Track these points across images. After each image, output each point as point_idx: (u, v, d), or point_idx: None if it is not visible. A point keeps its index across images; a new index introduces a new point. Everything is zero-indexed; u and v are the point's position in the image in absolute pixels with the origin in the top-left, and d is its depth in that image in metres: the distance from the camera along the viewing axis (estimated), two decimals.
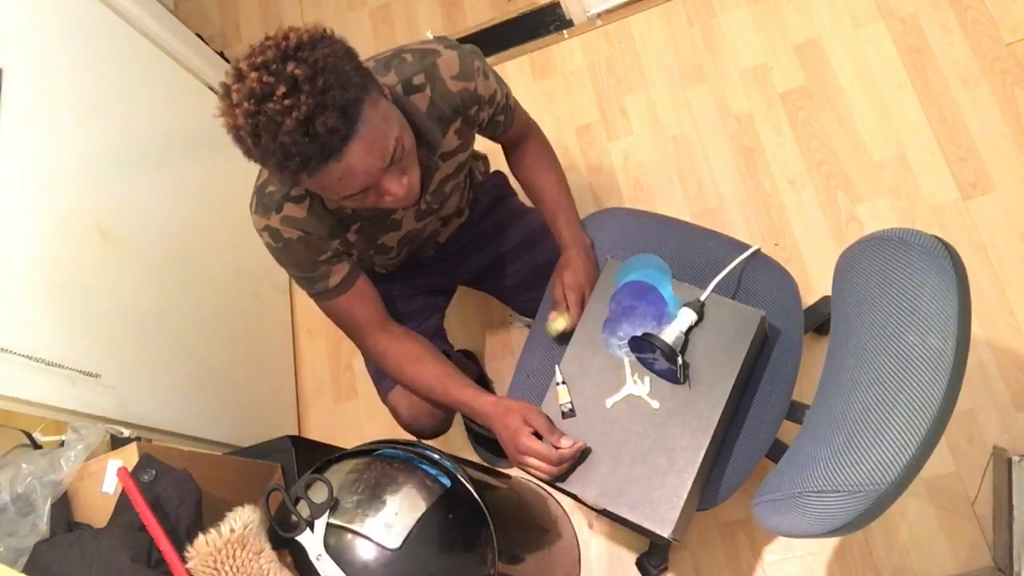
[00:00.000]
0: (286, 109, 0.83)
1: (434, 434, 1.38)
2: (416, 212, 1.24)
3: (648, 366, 1.14)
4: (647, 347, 1.10)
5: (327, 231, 1.14)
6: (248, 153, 0.89)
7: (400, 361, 1.22)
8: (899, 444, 0.79)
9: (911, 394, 0.80)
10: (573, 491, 1.12)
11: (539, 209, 1.36)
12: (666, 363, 1.09)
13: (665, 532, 1.05)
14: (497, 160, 1.44)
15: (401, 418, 1.35)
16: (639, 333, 1.12)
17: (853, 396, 0.87)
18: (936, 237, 0.88)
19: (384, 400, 1.38)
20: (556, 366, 1.18)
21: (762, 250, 1.27)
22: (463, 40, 2.16)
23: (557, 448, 1.09)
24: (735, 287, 1.24)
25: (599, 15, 2.04)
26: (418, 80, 1.10)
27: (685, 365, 1.12)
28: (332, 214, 1.13)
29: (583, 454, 1.12)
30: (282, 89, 0.83)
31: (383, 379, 1.37)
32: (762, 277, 1.24)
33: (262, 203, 1.10)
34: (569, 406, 1.15)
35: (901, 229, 0.91)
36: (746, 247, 1.27)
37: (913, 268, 0.87)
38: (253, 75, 0.84)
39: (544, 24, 2.10)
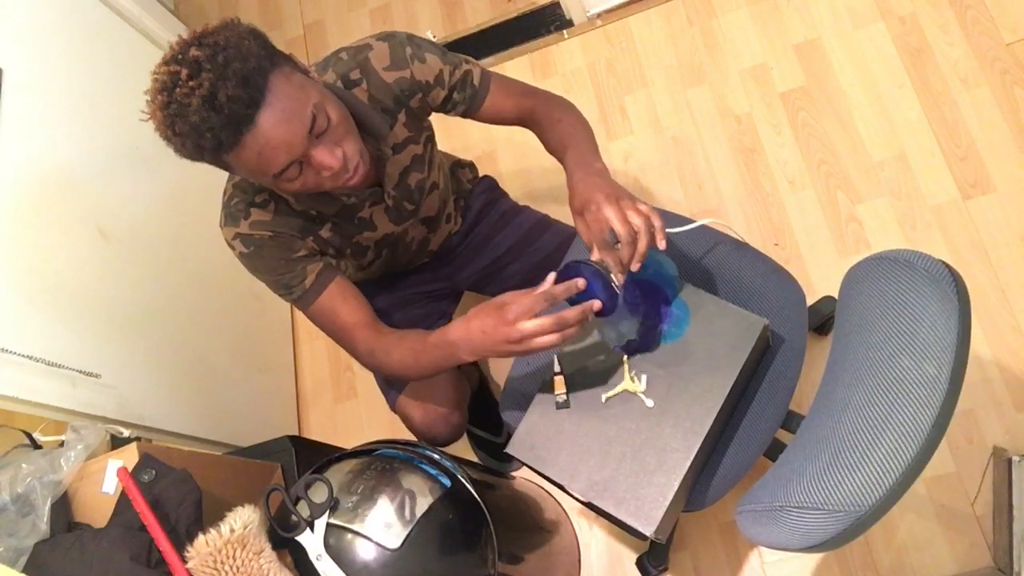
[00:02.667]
0: (191, 90, 0.85)
1: (448, 441, 1.37)
2: (388, 211, 1.23)
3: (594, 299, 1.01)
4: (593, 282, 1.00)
5: (297, 229, 1.14)
6: (176, 148, 0.91)
7: (388, 349, 1.15)
8: (883, 468, 0.79)
9: (901, 418, 0.80)
10: (560, 481, 1.12)
11: (558, 160, 1.22)
12: (604, 293, 0.99)
13: (648, 531, 1.05)
14: (484, 167, 1.44)
15: (415, 427, 1.34)
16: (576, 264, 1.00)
17: (844, 415, 0.87)
18: (943, 263, 0.87)
19: (393, 409, 1.37)
20: (555, 355, 1.18)
21: (752, 245, 1.27)
22: (463, 40, 2.19)
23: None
24: (741, 292, 1.24)
25: (599, 15, 2.04)
26: (354, 75, 1.11)
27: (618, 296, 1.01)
28: (299, 214, 1.14)
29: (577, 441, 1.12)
30: (185, 72, 0.85)
31: (391, 388, 1.37)
32: (770, 284, 1.24)
33: (229, 215, 1.12)
34: (564, 397, 1.15)
35: (909, 252, 0.90)
36: (759, 253, 1.27)
37: (916, 292, 0.87)
38: (162, 70, 0.87)
39: (544, 24, 2.10)
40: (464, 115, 1.23)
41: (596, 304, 0.97)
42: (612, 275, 0.99)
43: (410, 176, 1.22)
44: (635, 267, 0.99)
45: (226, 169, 0.98)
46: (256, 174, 0.96)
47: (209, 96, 0.85)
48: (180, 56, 0.87)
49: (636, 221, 0.97)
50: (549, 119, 1.22)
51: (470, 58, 1.21)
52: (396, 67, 1.12)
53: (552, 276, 0.97)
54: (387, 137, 1.14)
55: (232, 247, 1.14)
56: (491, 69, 2.15)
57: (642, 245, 0.98)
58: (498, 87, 1.22)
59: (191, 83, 0.85)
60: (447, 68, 1.16)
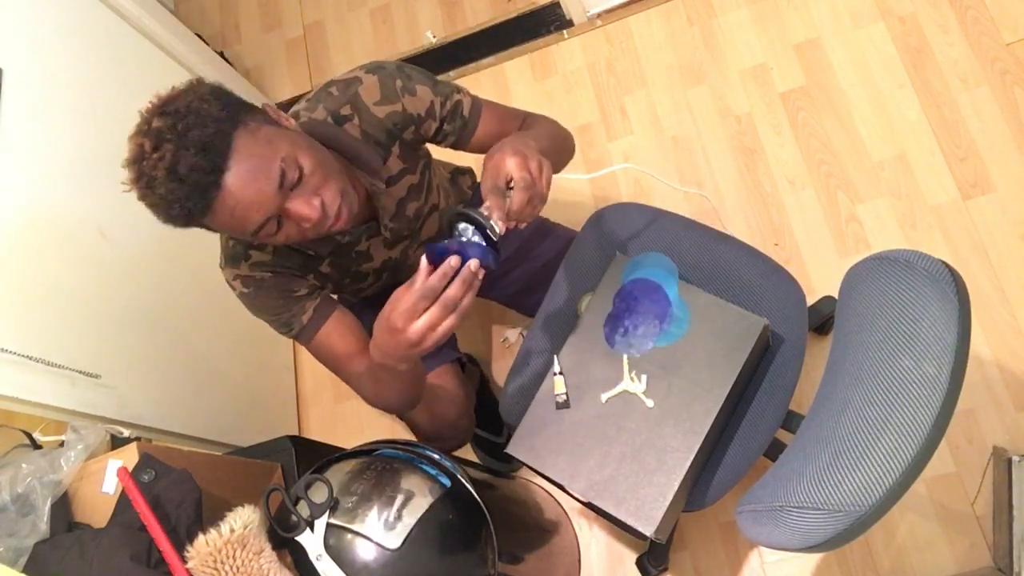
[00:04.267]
0: (156, 163, 0.86)
1: (457, 447, 1.37)
2: (385, 242, 1.22)
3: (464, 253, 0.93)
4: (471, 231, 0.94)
5: (297, 267, 1.15)
6: (158, 216, 0.91)
7: (363, 379, 1.15)
8: (883, 468, 0.79)
9: (901, 418, 0.80)
10: (560, 481, 1.12)
11: None
12: (481, 249, 0.92)
13: (648, 531, 1.05)
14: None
15: (424, 433, 1.35)
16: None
17: (844, 415, 0.87)
18: (943, 263, 0.87)
19: (401, 416, 1.37)
20: (555, 356, 1.18)
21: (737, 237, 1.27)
22: (463, 40, 2.19)
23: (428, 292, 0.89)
24: (741, 292, 1.24)
25: (599, 15, 2.04)
26: (345, 111, 1.10)
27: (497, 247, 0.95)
28: (298, 252, 1.14)
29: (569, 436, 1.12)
30: (149, 145, 0.87)
31: None
32: (771, 284, 1.24)
33: (230, 256, 1.13)
34: (564, 397, 1.15)
35: (909, 252, 0.91)
36: (759, 253, 1.27)
37: (916, 293, 0.87)
38: (132, 141, 0.89)
39: (544, 24, 2.10)
40: (454, 147, 1.21)
41: (474, 263, 0.90)
42: (493, 223, 0.92)
43: (407, 207, 1.21)
44: (522, 222, 0.95)
45: (212, 231, 0.98)
46: (236, 233, 0.96)
47: (171, 168, 0.86)
48: (145, 127, 0.88)
49: (534, 169, 0.94)
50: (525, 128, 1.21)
51: (461, 87, 1.19)
52: (387, 101, 1.11)
53: (424, 267, 0.90)
54: (380, 171, 1.13)
55: (232, 287, 1.15)
56: (491, 69, 2.14)
57: (534, 200, 0.95)
58: (488, 115, 1.20)
59: (155, 155, 0.86)
60: (438, 100, 1.14)
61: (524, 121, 1.23)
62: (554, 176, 1.24)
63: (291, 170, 0.93)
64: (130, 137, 0.89)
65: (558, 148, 1.19)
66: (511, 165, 0.93)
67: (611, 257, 1.25)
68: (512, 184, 0.93)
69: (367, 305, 1.43)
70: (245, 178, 0.89)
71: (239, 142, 0.89)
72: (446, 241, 0.91)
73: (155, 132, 0.87)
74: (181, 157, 0.85)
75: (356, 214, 1.05)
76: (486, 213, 0.92)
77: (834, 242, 1.71)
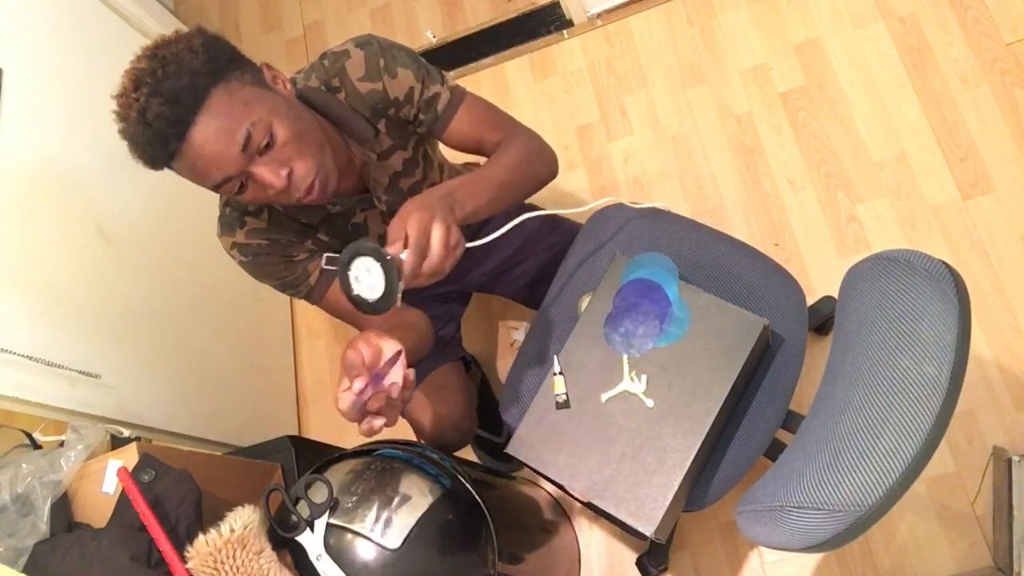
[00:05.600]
0: (131, 104, 0.88)
1: (458, 447, 1.37)
2: (383, 215, 1.22)
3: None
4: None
5: (294, 233, 1.15)
6: (130, 153, 0.93)
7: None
8: (883, 468, 0.79)
9: (901, 418, 0.80)
10: (560, 481, 1.12)
11: None
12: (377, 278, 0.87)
13: (648, 531, 1.05)
14: None
15: (425, 433, 1.34)
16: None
17: (844, 415, 0.87)
18: (943, 263, 0.87)
19: (401, 413, 1.37)
20: (555, 356, 1.18)
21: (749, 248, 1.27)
22: (463, 40, 2.18)
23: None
24: (741, 292, 1.24)
25: (599, 15, 2.04)
26: (334, 83, 1.11)
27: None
28: (293, 219, 1.14)
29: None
30: (130, 84, 0.88)
31: None
32: (771, 284, 1.24)
33: (225, 224, 1.13)
34: (564, 397, 1.15)
35: (909, 252, 0.90)
36: (759, 253, 1.27)
37: (916, 292, 0.87)
38: (122, 78, 0.91)
39: (544, 24, 2.10)
40: (429, 135, 1.20)
41: (398, 385, 0.88)
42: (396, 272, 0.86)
43: (401, 181, 1.21)
44: (415, 284, 0.90)
45: (169, 168, 0.98)
46: (199, 184, 0.97)
47: (141, 112, 0.87)
48: (133, 66, 0.90)
49: (435, 239, 0.89)
50: (495, 154, 1.16)
51: (448, 79, 1.16)
52: (369, 79, 1.10)
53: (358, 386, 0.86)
54: (372, 142, 1.13)
55: (232, 256, 1.15)
56: (491, 69, 2.14)
57: (426, 266, 0.89)
58: (464, 116, 1.16)
59: (132, 95, 0.88)
60: (418, 86, 1.13)
61: (503, 140, 1.17)
62: (561, 190, 1.23)
63: (259, 134, 0.93)
64: (124, 71, 0.91)
65: (518, 184, 1.13)
66: (411, 222, 0.89)
67: (611, 257, 1.25)
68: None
69: None
70: (208, 135, 0.90)
71: (212, 100, 0.90)
72: (336, 266, 0.88)
73: (138, 73, 0.89)
74: (151, 104, 0.87)
75: (349, 185, 1.04)
76: (399, 259, 0.87)
77: (834, 242, 1.71)
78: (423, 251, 0.89)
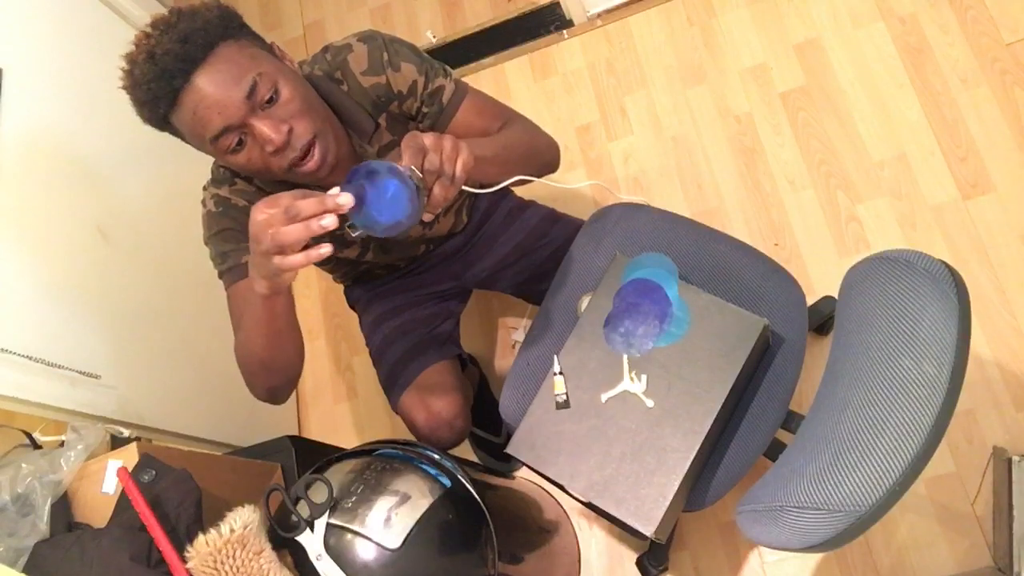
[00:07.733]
0: (142, 48, 0.90)
1: (452, 445, 1.36)
2: None
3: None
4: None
5: None
6: (134, 106, 0.94)
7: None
8: (883, 468, 0.79)
9: (901, 418, 0.80)
10: (560, 481, 1.12)
11: None
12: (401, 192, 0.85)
13: (648, 531, 1.05)
14: None
15: (418, 430, 1.34)
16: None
17: (844, 415, 0.87)
18: (943, 263, 0.87)
19: (395, 410, 1.37)
20: (555, 356, 1.18)
21: (760, 252, 1.26)
22: (463, 40, 2.19)
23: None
24: (741, 292, 1.24)
25: (599, 15, 2.04)
26: (337, 75, 1.11)
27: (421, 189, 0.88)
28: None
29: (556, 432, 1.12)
30: (144, 35, 0.91)
31: (393, 387, 1.36)
32: (771, 284, 1.24)
33: (216, 178, 1.14)
34: (564, 397, 1.15)
35: (909, 252, 0.91)
36: (759, 253, 1.27)
37: (916, 292, 0.87)
38: (136, 35, 0.93)
39: (544, 24, 2.10)
40: (432, 129, 1.19)
41: (345, 198, 0.82)
42: (412, 179, 0.86)
43: None
44: (434, 207, 0.90)
45: (179, 137, 0.99)
46: (197, 139, 0.96)
47: (151, 51, 0.89)
48: (151, 21, 0.92)
49: (447, 147, 0.89)
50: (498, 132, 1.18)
51: (451, 72, 1.18)
52: (372, 73, 1.11)
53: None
54: (372, 136, 1.13)
55: (203, 204, 1.14)
56: (491, 69, 2.15)
57: (448, 168, 0.89)
58: (469, 106, 1.17)
59: (144, 43, 0.90)
60: (421, 80, 1.14)
61: (505, 123, 1.21)
62: (554, 177, 1.23)
63: (264, 86, 0.93)
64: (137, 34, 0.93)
65: (521, 154, 1.14)
66: (424, 137, 0.89)
67: (611, 257, 1.25)
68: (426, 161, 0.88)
69: (376, 298, 1.42)
70: (214, 78, 0.91)
71: (222, 48, 0.92)
72: (369, 164, 0.85)
73: (154, 22, 0.91)
74: (162, 42, 0.89)
75: (338, 171, 1.03)
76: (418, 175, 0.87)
77: (834, 242, 1.71)
78: (438, 151, 0.88)
